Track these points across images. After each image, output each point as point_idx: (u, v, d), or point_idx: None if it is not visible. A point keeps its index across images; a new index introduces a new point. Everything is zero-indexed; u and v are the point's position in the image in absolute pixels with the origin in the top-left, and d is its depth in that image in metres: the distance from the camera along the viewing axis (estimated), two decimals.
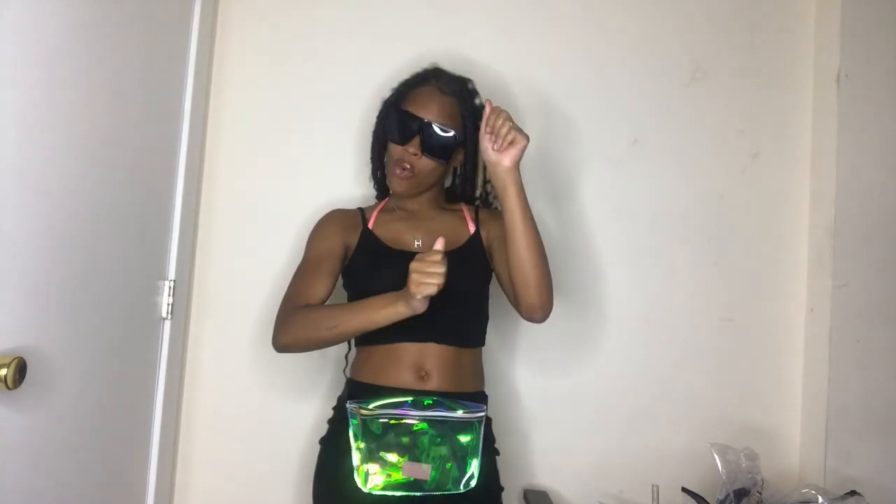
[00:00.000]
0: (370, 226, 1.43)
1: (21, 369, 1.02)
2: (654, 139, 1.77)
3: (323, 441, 1.40)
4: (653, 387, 1.72)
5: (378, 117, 1.51)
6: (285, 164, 1.75)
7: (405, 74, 1.49)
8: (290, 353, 1.33)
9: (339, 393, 1.46)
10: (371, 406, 1.25)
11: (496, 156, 1.25)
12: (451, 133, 1.37)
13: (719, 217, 1.76)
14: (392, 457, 1.23)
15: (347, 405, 1.26)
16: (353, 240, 1.42)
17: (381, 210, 1.48)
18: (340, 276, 1.42)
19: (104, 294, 1.35)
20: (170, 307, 1.59)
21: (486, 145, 1.27)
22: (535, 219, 1.29)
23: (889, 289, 1.61)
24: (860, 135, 1.64)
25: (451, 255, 1.26)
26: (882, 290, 1.61)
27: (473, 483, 1.25)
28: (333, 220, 1.47)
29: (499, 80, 1.72)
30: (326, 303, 1.36)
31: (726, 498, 1.36)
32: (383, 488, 1.23)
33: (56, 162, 1.16)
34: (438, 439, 1.24)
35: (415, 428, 1.24)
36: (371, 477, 1.23)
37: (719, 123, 1.77)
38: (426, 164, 1.38)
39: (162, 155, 1.58)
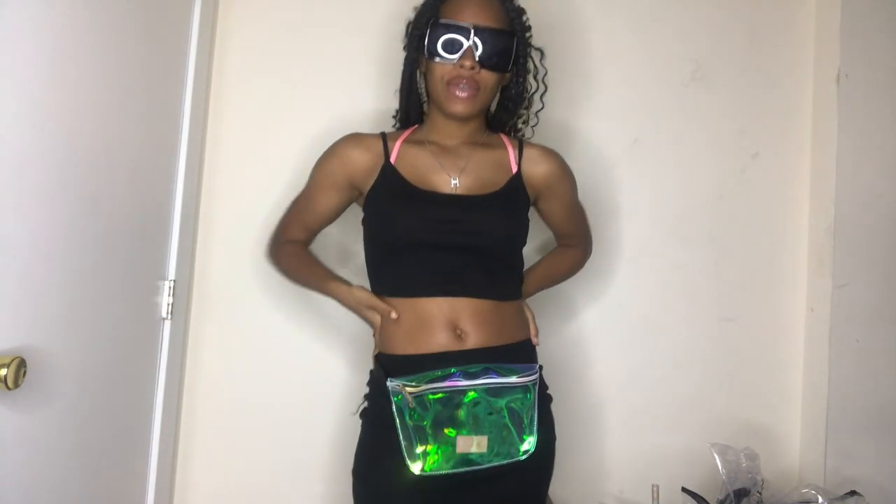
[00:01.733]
0: (392, 159, 1.25)
1: (21, 369, 1.02)
2: (654, 139, 1.76)
3: (364, 415, 1.27)
4: (653, 387, 1.72)
5: (409, 38, 1.29)
6: (286, 164, 1.75)
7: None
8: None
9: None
10: (415, 381, 1.14)
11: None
12: (509, 35, 1.20)
13: (719, 217, 1.76)
14: (444, 433, 1.14)
15: (389, 384, 1.15)
16: (369, 178, 1.25)
17: (406, 140, 1.29)
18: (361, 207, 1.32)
19: (104, 294, 1.35)
20: (170, 307, 1.59)
21: None
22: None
23: (889, 289, 1.61)
24: (860, 135, 1.64)
25: (489, 200, 1.22)
26: (882, 290, 1.61)
27: (532, 447, 1.18)
28: (346, 152, 1.29)
29: None
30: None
31: (726, 498, 1.36)
32: (437, 468, 1.13)
33: (56, 162, 1.16)
34: (491, 408, 1.15)
35: (466, 399, 1.14)
36: (423, 459, 1.13)
37: (719, 123, 1.77)
38: (487, 77, 1.21)
39: (162, 155, 1.58)
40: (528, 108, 1.37)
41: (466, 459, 1.14)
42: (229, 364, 1.74)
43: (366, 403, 1.27)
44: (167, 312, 1.59)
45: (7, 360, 1.00)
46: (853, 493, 1.38)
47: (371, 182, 1.25)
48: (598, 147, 1.76)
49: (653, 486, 1.43)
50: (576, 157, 1.76)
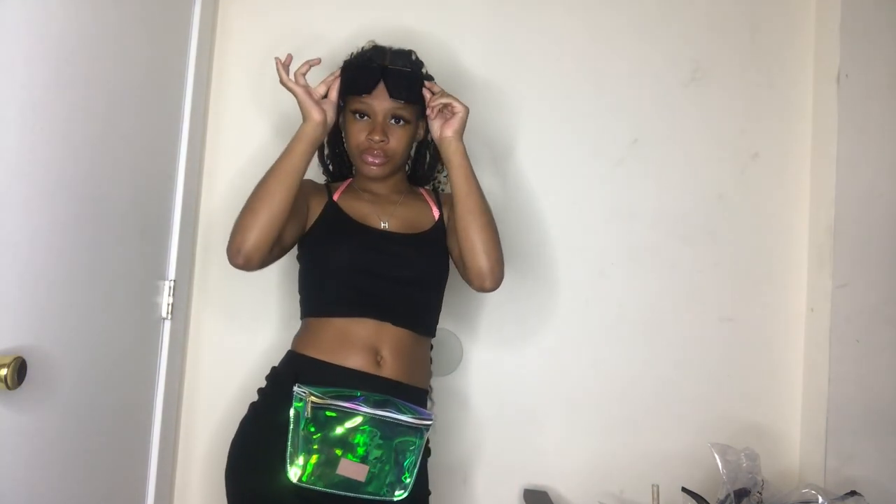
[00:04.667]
0: (335, 198, 1.38)
1: (21, 369, 1.02)
2: (654, 139, 1.76)
3: (253, 408, 1.32)
4: (653, 387, 1.72)
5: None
6: None
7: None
8: (247, 258, 1.23)
9: None
10: (320, 393, 1.17)
11: (438, 128, 1.31)
12: (413, 72, 1.33)
13: (719, 217, 1.76)
14: (330, 451, 1.17)
15: (296, 389, 1.19)
16: (316, 209, 1.36)
17: (346, 189, 1.42)
18: (296, 246, 1.36)
19: (104, 294, 1.35)
20: (170, 307, 1.59)
21: (431, 121, 1.33)
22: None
23: (889, 289, 1.61)
24: (860, 135, 1.64)
25: (415, 239, 1.34)
26: (882, 290, 1.61)
27: (405, 495, 1.20)
28: (305, 185, 1.37)
29: (497, 80, 1.72)
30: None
31: (727, 498, 1.36)
32: (314, 482, 1.17)
33: (56, 162, 1.16)
34: (380, 441, 1.18)
35: (360, 426, 1.18)
36: (303, 468, 1.16)
37: (719, 123, 1.77)
38: (397, 138, 1.32)
39: (162, 155, 1.58)
40: (440, 161, 1.43)
41: (344, 483, 1.17)
42: (229, 364, 1.73)
43: (256, 398, 1.33)
44: (167, 312, 1.59)
45: (7, 360, 1.00)
46: (853, 493, 1.38)
47: (317, 212, 1.35)
48: (598, 147, 1.76)
49: (653, 486, 1.43)
50: (576, 156, 1.76)
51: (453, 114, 1.30)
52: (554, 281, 1.74)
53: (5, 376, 0.99)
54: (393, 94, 1.30)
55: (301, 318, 1.38)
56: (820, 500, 1.34)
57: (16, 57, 1.05)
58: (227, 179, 1.76)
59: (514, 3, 1.78)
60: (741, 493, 1.36)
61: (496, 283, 1.30)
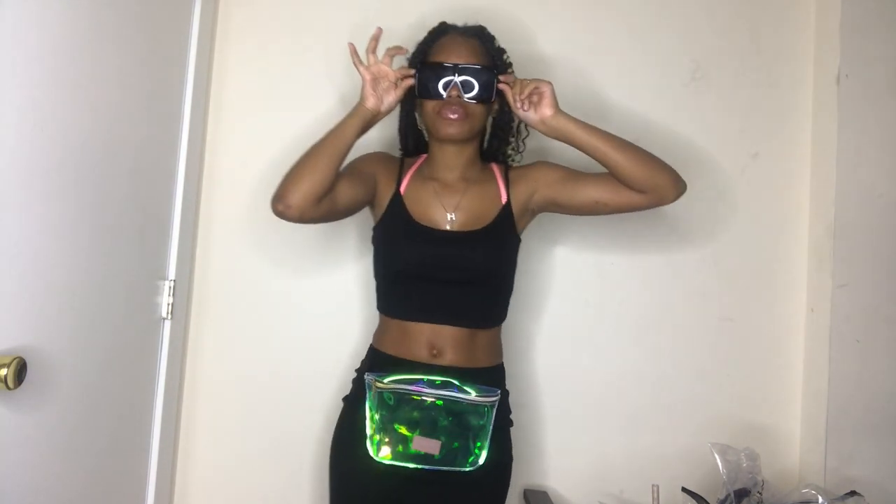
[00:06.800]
0: (402, 189, 1.40)
1: (21, 369, 1.02)
2: (653, 139, 1.76)
3: (346, 399, 1.43)
4: (653, 386, 1.72)
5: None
6: (286, 164, 1.75)
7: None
8: (286, 206, 1.26)
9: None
10: (386, 380, 1.31)
11: (535, 115, 1.31)
12: (489, 71, 1.34)
13: (719, 217, 1.76)
14: (404, 429, 1.29)
15: (365, 377, 1.33)
16: (384, 196, 1.40)
17: (415, 174, 1.44)
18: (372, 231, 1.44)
19: (104, 294, 1.35)
20: (170, 307, 1.59)
21: (525, 115, 1.32)
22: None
23: (889, 289, 1.61)
24: (860, 135, 1.64)
25: (479, 235, 1.36)
26: (882, 290, 1.61)
27: (481, 462, 1.30)
28: (377, 156, 1.46)
29: None
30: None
31: (727, 498, 1.36)
32: (393, 458, 1.29)
33: (56, 162, 1.16)
34: (450, 417, 1.29)
35: (427, 403, 1.29)
36: (383, 447, 1.29)
37: (719, 123, 1.77)
38: (473, 106, 1.35)
39: (162, 155, 1.58)
40: (515, 136, 1.49)
41: (421, 457, 1.29)
42: (229, 364, 1.74)
43: (350, 388, 1.43)
44: (167, 312, 1.59)
45: (7, 360, 1.00)
46: (853, 493, 1.38)
47: (384, 203, 1.40)
48: None
49: (653, 486, 1.43)
50: (575, 157, 1.76)
51: (541, 94, 1.30)
52: (554, 281, 1.74)
53: (5, 376, 0.99)
54: (467, 97, 1.32)
55: (379, 313, 1.45)
56: (820, 500, 1.34)
57: (16, 57, 1.05)
58: (227, 179, 1.76)
59: (514, 3, 1.78)
60: (741, 493, 1.36)
61: (681, 190, 1.36)
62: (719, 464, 1.37)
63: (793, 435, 1.71)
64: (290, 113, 1.77)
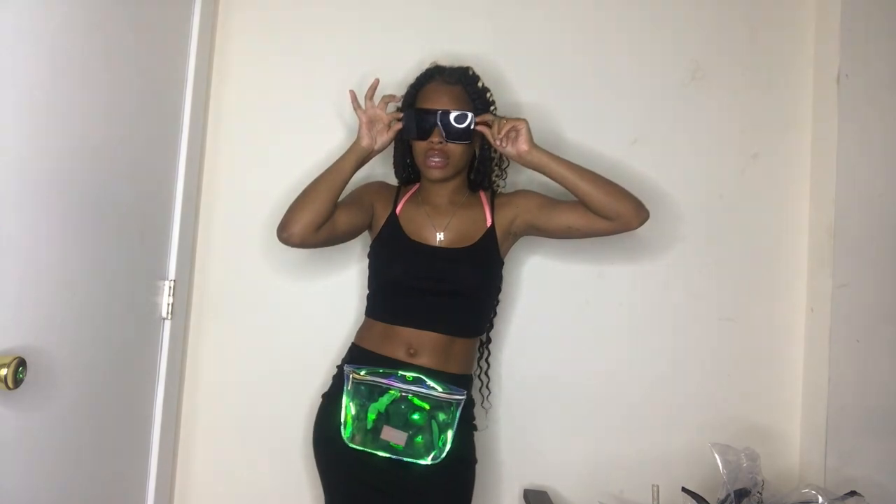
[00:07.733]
0: (398, 210, 1.54)
1: (21, 369, 1.02)
2: (654, 139, 1.76)
3: (324, 395, 1.52)
4: (653, 386, 1.72)
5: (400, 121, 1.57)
6: (286, 164, 1.75)
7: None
8: (290, 234, 1.40)
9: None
10: (363, 372, 1.42)
11: (513, 150, 1.43)
12: (467, 116, 1.45)
13: (719, 217, 1.76)
14: (374, 419, 1.40)
15: (344, 368, 1.45)
16: (381, 217, 1.54)
17: (410, 198, 1.57)
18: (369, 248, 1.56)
19: (104, 294, 1.35)
20: (170, 307, 1.59)
21: (504, 150, 1.44)
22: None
23: (889, 289, 1.61)
24: (860, 135, 1.64)
25: (463, 252, 1.48)
26: (882, 290, 1.61)
27: (443, 456, 1.38)
28: (375, 186, 1.60)
29: (497, 80, 1.72)
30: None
31: (727, 498, 1.36)
32: (363, 445, 1.39)
33: (56, 162, 1.16)
34: (418, 412, 1.40)
35: (398, 397, 1.40)
36: (356, 434, 1.40)
37: (719, 123, 1.77)
38: (454, 147, 1.47)
39: (162, 155, 1.58)
40: (497, 165, 1.60)
41: (388, 446, 1.38)
42: (229, 364, 1.74)
43: (330, 384, 1.53)
44: (167, 312, 1.59)
45: (7, 360, 1.00)
46: (853, 493, 1.37)
47: (380, 223, 1.53)
48: (598, 147, 1.75)
49: (653, 486, 1.43)
50: (576, 157, 1.76)
51: (517, 132, 1.42)
52: (554, 281, 1.74)
53: (5, 376, 1.00)
54: (449, 139, 1.45)
55: (365, 315, 1.55)
56: (820, 500, 1.34)
57: (16, 57, 1.05)
58: (228, 179, 1.77)
59: (513, 2, 1.78)
60: (741, 493, 1.36)
61: (644, 217, 1.45)
62: (719, 464, 1.37)
63: (793, 435, 1.71)
64: (289, 113, 1.78)
